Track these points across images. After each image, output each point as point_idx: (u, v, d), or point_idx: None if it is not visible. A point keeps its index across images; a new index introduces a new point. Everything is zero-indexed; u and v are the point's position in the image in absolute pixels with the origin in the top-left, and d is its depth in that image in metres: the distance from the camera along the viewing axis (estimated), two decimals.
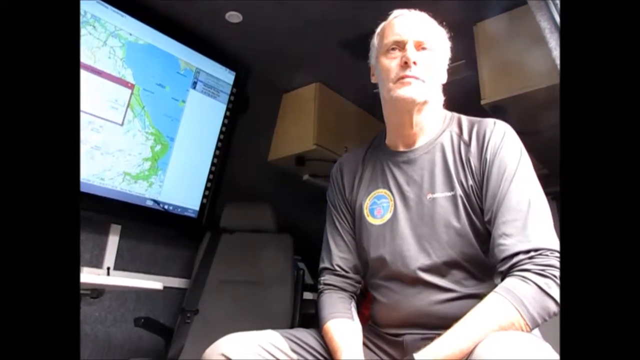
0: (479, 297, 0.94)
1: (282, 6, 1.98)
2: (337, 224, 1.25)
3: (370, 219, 1.16)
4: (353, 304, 1.19)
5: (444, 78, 1.18)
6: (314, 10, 2.00)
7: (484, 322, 0.86)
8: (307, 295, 2.40)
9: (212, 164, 2.35)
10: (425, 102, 1.11)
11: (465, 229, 1.04)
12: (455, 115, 1.18)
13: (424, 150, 1.13)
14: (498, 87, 1.90)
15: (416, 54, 1.09)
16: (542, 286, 0.87)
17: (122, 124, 1.97)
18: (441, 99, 1.18)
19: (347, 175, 1.26)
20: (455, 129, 1.13)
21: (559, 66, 1.01)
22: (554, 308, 0.87)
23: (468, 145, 1.09)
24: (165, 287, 1.90)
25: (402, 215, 1.11)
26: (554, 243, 0.92)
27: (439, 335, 0.89)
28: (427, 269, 1.05)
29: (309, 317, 2.30)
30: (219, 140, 2.37)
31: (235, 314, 2.08)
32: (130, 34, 1.98)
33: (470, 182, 1.05)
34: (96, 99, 1.88)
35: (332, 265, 1.23)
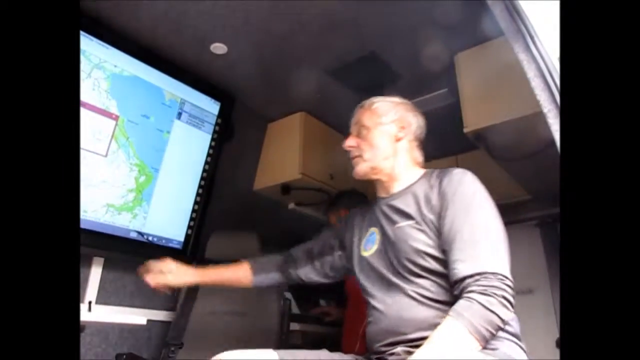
0: (446, 303, 1.14)
1: (266, 37, 2.01)
2: (325, 242, 1.58)
3: (362, 252, 1.41)
4: (277, 274, 1.63)
5: (392, 145, 1.40)
6: (297, 40, 2.03)
7: (440, 345, 1.02)
8: (294, 326, 2.37)
9: (197, 194, 2.34)
10: (374, 172, 1.39)
11: (423, 248, 1.22)
12: (434, 169, 1.38)
13: (399, 196, 1.37)
14: (480, 115, 1.93)
15: (355, 139, 1.42)
16: (484, 303, 1.03)
17: (106, 155, 1.96)
18: (407, 157, 1.41)
19: (357, 224, 1.50)
20: (428, 179, 1.34)
21: (537, 96, 1.03)
22: (498, 321, 1.03)
23: (432, 186, 1.29)
24: (149, 321, 1.87)
25: (381, 246, 1.35)
26: (499, 267, 1.08)
27: (418, 347, 1.05)
28: (398, 282, 1.26)
29: (295, 349, 2.27)
30: (204, 170, 2.36)
31: (220, 346, 2.04)
32: (115, 66, 1.99)
33: (431, 216, 1.24)
34: (80, 130, 1.87)
35: (290, 251, 1.64)
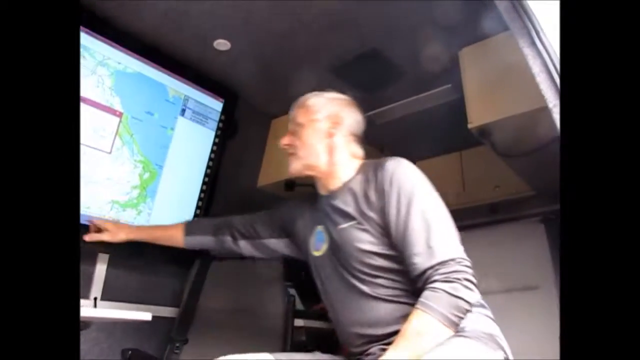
0: (407, 296, 1.16)
1: (269, 34, 2.00)
2: (271, 224, 1.62)
3: (314, 252, 1.40)
4: (209, 238, 1.70)
5: (325, 142, 1.39)
6: (301, 37, 2.03)
7: (415, 340, 1.02)
8: (298, 322, 2.37)
9: (201, 190, 2.34)
10: (308, 169, 1.39)
11: (369, 248, 1.22)
12: (370, 161, 1.36)
13: (338, 194, 1.35)
14: (484, 111, 1.92)
15: (290, 137, 1.43)
16: (449, 290, 1.04)
17: (110, 152, 1.96)
18: (343, 153, 1.39)
19: (308, 218, 1.48)
20: (365, 173, 1.32)
21: (542, 91, 1.03)
22: (465, 305, 1.05)
23: (368, 181, 1.27)
24: (154, 317, 1.87)
25: (329, 246, 1.34)
26: (455, 251, 1.10)
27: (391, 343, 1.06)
28: (354, 283, 1.24)
29: (300, 345, 2.27)
30: (207, 166, 2.36)
31: (224, 343, 2.04)
32: (119, 63, 1.99)
33: (372, 214, 1.23)
34: (84, 127, 1.87)
35: (231, 220, 1.70)
